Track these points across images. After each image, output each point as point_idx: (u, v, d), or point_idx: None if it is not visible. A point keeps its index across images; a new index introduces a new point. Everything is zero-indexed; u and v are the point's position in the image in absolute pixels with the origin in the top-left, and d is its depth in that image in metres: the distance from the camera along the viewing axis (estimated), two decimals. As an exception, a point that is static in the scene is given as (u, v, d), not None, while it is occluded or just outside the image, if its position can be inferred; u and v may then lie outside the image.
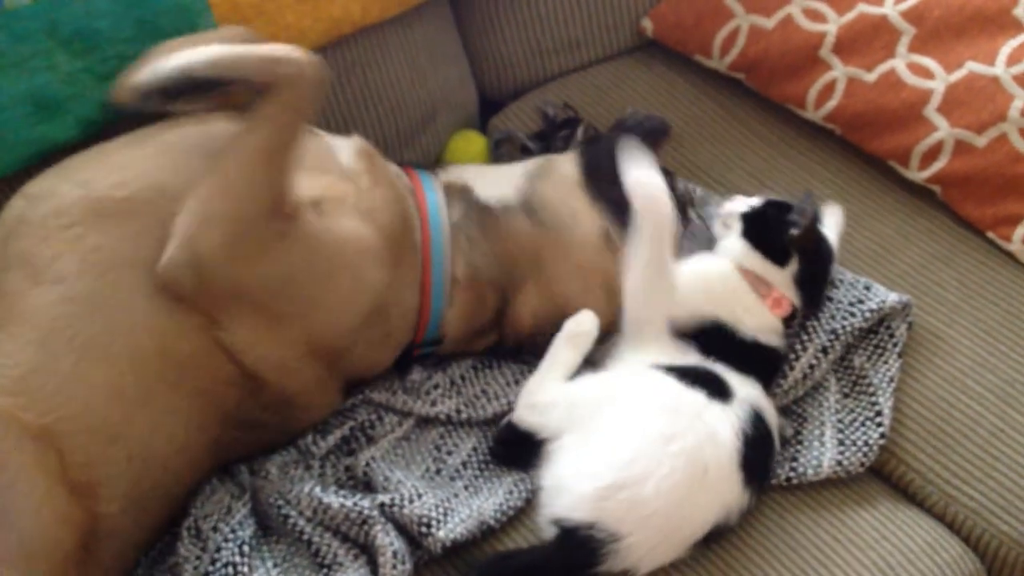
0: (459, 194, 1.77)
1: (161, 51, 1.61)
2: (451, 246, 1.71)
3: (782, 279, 1.68)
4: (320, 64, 1.54)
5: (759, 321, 1.67)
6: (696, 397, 1.55)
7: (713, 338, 1.65)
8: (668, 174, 1.81)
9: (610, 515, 1.45)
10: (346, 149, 1.71)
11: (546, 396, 1.60)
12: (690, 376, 1.58)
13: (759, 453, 1.58)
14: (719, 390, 1.58)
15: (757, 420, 1.57)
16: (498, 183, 1.79)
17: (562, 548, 1.47)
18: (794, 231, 1.67)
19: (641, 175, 1.59)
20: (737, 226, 1.71)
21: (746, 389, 1.61)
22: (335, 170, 1.66)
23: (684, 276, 1.67)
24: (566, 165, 1.82)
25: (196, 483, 1.58)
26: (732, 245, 1.71)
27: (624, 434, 1.51)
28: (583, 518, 1.46)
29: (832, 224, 1.80)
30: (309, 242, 1.53)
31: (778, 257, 1.68)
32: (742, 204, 1.74)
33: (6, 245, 1.50)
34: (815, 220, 1.70)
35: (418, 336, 1.72)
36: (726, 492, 1.53)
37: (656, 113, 1.91)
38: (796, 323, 1.72)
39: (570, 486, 1.49)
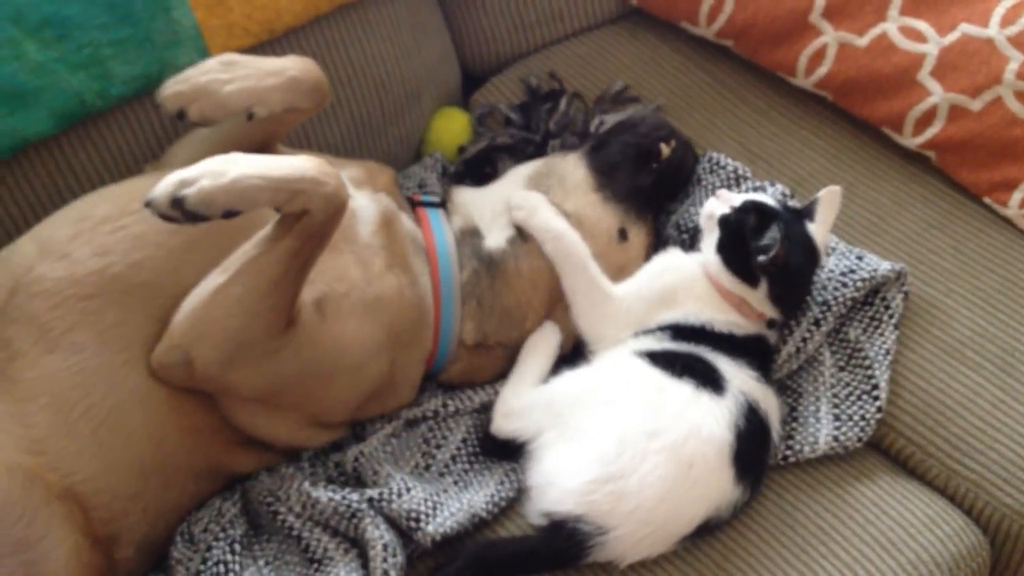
0: (469, 243, 1.73)
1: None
2: (460, 309, 1.69)
3: (755, 297, 1.63)
4: (342, 185, 1.45)
5: (732, 319, 1.64)
6: (682, 389, 1.53)
7: (686, 332, 1.62)
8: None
9: (596, 508, 1.46)
10: (369, 215, 1.65)
11: (520, 402, 1.60)
12: (678, 363, 1.55)
13: (754, 447, 1.55)
14: (710, 379, 1.55)
15: (751, 413, 1.54)
16: (499, 214, 1.75)
17: (550, 539, 1.49)
18: (762, 258, 1.58)
19: (531, 212, 1.70)
20: (714, 234, 1.66)
21: (741, 378, 1.57)
22: (351, 248, 1.60)
23: (652, 279, 1.68)
24: (576, 171, 1.78)
25: None
26: (708, 257, 1.66)
27: (607, 429, 1.50)
28: (571, 511, 1.47)
29: (825, 215, 1.70)
30: (307, 349, 1.51)
31: (749, 279, 1.62)
32: (723, 204, 1.67)
33: (14, 295, 1.48)
34: (782, 249, 1.59)
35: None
36: (714, 488, 1.51)
37: (659, 116, 1.83)
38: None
39: (557, 480, 1.49)
